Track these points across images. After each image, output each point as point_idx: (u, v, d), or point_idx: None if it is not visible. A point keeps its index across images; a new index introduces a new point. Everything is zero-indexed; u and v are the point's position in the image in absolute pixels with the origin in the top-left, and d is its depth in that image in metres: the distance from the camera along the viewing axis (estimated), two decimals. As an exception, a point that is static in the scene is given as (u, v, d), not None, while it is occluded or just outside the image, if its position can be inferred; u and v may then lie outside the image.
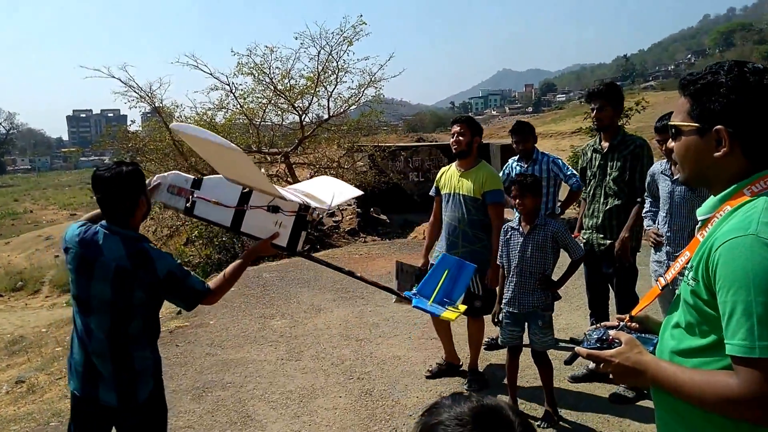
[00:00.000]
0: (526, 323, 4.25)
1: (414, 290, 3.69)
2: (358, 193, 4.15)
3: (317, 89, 14.14)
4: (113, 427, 2.88)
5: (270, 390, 4.98)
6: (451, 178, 4.88)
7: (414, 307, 3.59)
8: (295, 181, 13.79)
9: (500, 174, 5.66)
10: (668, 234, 4.20)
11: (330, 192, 3.63)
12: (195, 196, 3.16)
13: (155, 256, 2.73)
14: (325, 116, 14.65)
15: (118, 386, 2.73)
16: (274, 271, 9.30)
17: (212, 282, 2.94)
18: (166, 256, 2.80)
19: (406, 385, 4.94)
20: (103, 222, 2.76)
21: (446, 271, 3.72)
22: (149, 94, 13.66)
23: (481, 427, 1.03)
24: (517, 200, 4.15)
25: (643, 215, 4.58)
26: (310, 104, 14.52)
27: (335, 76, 14.16)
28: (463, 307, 3.73)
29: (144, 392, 2.80)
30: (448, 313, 3.54)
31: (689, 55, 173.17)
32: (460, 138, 4.72)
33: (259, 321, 6.86)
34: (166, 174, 3.26)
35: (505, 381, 4.50)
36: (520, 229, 4.22)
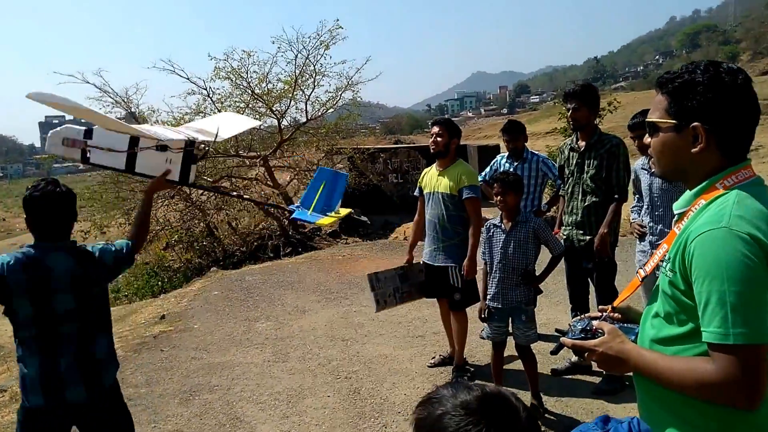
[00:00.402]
0: (510, 318, 4.34)
1: (298, 203, 3.85)
2: (255, 123, 4.28)
3: (295, 93, 14.11)
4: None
5: (258, 392, 5.00)
6: (431, 178, 5.05)
7: (293, 219, 3.74)
8: (276, 185, 13.78)
9: (487, 168, 5.91)
10: (650, 224, 4.45)
11: (224, 126, 3.83)
12: (89, 145, 3.33)
13: (97, 251, 2.93)
14: (303, 120, 14.64)
15: (85, 377, 2.81)
16: (257, 274, 9.32)
17: (130, 234, 3.19)
18: (103, 247, 2.99)
19: (394, 383, 5.00)
20: (33, 243, 2.83)
21: (323, 183, 3.86)
22: (125, 99, 13.49)
23: (489, 415, 1.04)
24: (499, 197, 4.25)
25: (630, 210, 4.80)
26: (287, 108, 14.48)
27: (313, 79, 14.14)
28: (344, 211, 3.90)
29: (110, 377, 2.95)
30: (325, 219, 3.72)
31: (657, 56, 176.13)
32: (438, 139, 4.90)
33: (244, 324, 6.86)
34: (59, 128, 3.41)
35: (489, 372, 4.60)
36: (502, 226, 4.31)
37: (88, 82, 12.88)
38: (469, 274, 4.74)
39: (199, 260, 12.99)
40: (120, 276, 15.36)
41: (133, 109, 13.63)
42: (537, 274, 4.35)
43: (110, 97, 13.25)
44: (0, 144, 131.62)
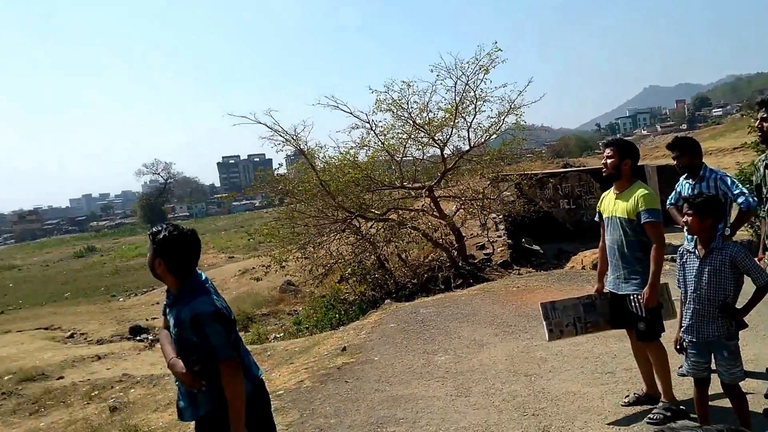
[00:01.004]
0: (711, 354, 4.01)
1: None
2: None
3: (456, 120, 14.06)
4: None
5: (443, 426, 4.98)
6: (609, 201, 4.90)
7: None
8: (442, 215, 13.82)
9: (673, 192, 5.57)
10: None
11: None
12: None
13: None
14: (466, 147, 14.58)
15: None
16: (431, 306, 9.36)
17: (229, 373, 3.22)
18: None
19: (586, 422, 4.77)
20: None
21: None
22: (294, 137, 13.83)
23: None
24: (686, 220, 3.98)
25: None
26: (450, 136, 14.45)
27: (473, 105, 13.93)
28: None
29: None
30: None
31: None
32: (608, 161, 4.78)
33: (423, 357, 6.90)
34: None
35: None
36: (696, 252, 4.03)
37: (260, 122, 13.43)
38: (648, 303, 4.49)
39: (372, 292, 13.28)
40: (300, 308, 16.17)
41: (302, 146, 14.02)
42: (740, 306, 3.97)
43: (281, 135, 13.68)
44: (185, 185, 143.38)
